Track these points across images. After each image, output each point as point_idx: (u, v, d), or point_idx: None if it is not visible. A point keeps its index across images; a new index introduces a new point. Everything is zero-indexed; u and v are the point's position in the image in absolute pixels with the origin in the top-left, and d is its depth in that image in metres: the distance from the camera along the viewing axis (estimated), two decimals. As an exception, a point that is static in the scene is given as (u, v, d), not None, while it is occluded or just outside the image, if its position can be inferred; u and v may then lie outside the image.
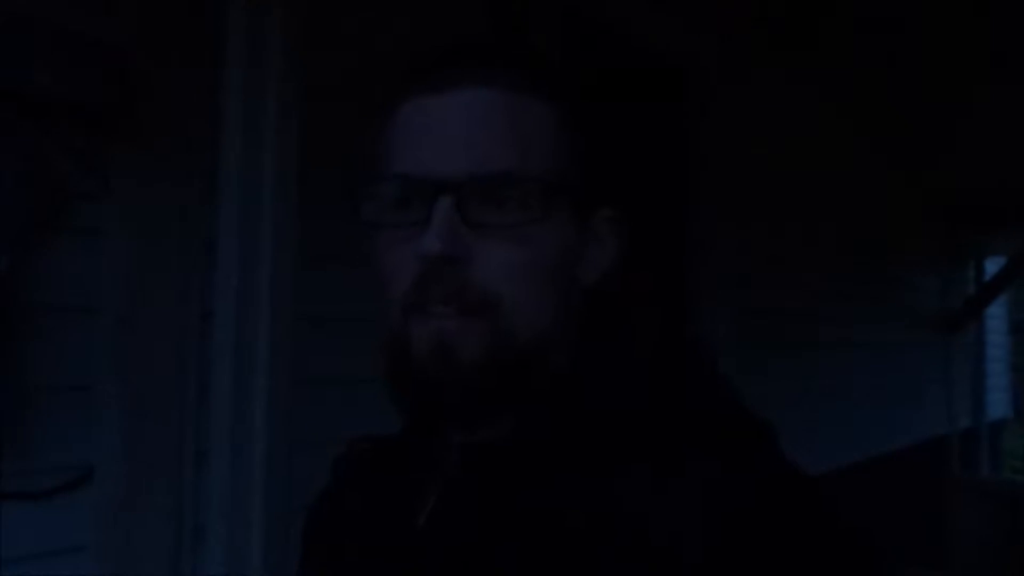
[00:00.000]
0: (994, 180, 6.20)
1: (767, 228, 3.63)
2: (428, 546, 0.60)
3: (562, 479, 0.56)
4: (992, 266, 7.82)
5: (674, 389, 0.60)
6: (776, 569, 0.51)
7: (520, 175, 0.58)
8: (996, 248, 7.46)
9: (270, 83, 1.35)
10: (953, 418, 6.53)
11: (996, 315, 8.44)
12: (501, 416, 0.60)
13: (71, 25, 1.31)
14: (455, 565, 0.58)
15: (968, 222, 6.64)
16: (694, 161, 2.98)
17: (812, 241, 4.12)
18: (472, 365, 0.57)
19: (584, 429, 0.58)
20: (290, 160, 1.38)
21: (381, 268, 0.61)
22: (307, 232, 1.49)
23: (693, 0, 2.88)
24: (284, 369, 1.37)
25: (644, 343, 0.65)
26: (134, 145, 1.39)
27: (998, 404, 8.18)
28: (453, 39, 0.67)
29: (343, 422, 0.71)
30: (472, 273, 0.57)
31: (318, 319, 1.59)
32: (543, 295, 0.60)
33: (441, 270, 0.57)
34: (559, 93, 0.63)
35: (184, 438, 1.43)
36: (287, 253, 1.37)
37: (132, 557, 1.37)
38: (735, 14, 3.19)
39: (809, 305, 4.07)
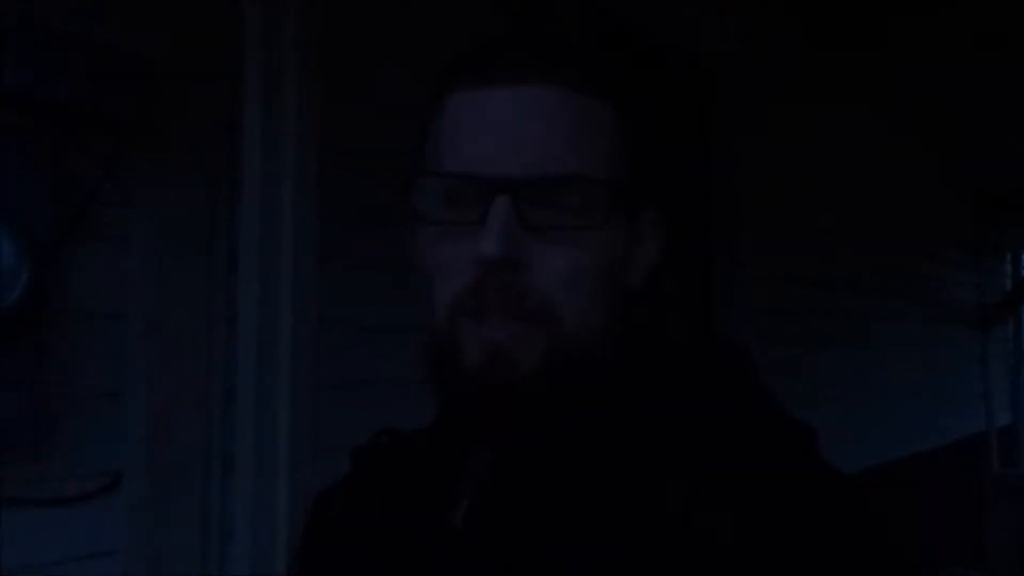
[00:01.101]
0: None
1: (798, 225, 3.58)
2: (465, 545, 0.59)
3: (601, 482, 0.55)
4: (1029, 260, 7.67)
5: (713, 392, 0.59)
6: (817, 570, 0.50)
7: (582, 177, 0.57)
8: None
9: (288, 88, 1.35)
10: (991, 415, 6.42)
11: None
12: (553, 421, 0.59)
13: (94, 35, 1.32)
14: (494, 565, 0.57)
15: (1004, 216, 6.52)
16: (720, 158, 2.95)
17: (845, 237, 4.07)
18: (529, 373, 0.56)
19: (624, 432, 0.57)
20: (310, 164, 1.38)
21: (426, 265, 0.60)
22: (329, 235, 1.49)
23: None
24: (307, 372, 1.37)
25: (674, 345, 0.64)
26: (158, 151, 1.40)
27: (1038, 400, 8.00)
28: (496, 31, 0.65)
29: (368, 425, 0.70)
30: (531, 278, 0.56)
31: (343, 323, 1.59)
32: (598, 300, 0.59)
33: (500, 274, 0.55)
34: (618, 93, 0.61)
35: (211, 443, 1.43)
36: (308, 257, 1.37)
37: (161, 561, 1.38)
38: (762, 9, 3.16)
39: (843, 303, 4.02)
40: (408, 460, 0.67)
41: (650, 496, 0.54)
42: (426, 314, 0.60)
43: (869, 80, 4.09)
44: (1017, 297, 6.79)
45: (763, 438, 0.56)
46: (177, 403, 1.40)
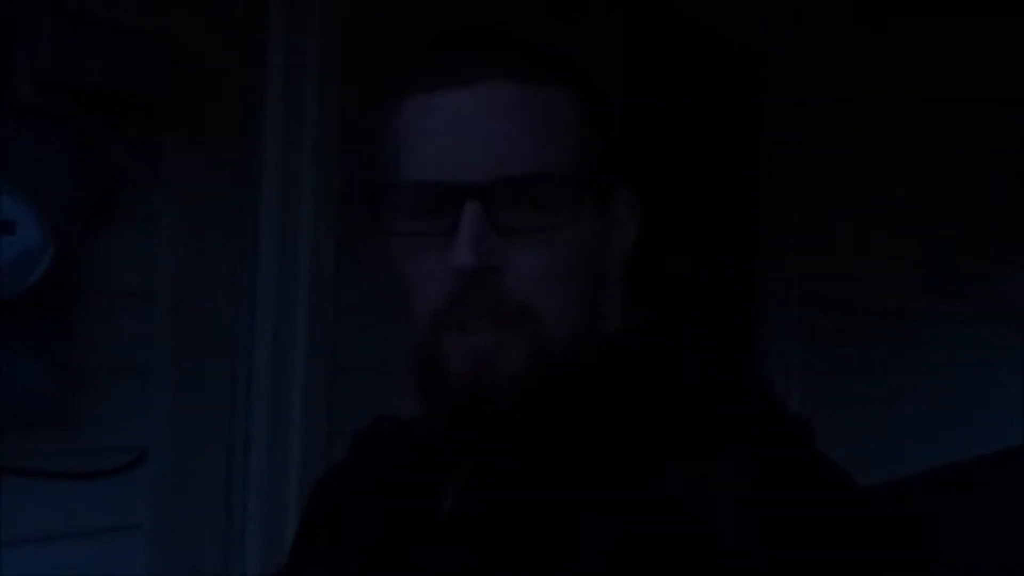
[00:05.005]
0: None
1: (849, 219, 3.48)
2: (454, 531, 0.59)
3: (594, 470, 0.55)
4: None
5: (708, 385, 0.58)
6: (812, 559, 0.50)
7: (548, 174, 0.56)
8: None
9: (310, 73, 1.35)
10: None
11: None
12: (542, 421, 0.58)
13: (127, 19, 1.34)
14: (483, 551, 0.56)
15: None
16: (765, 148, 2.87)
17: (900, 233, 3.94)
18: (514, 378, 0.56)
19: (617, 421, 0.57)
20: (330, 149, 1.38)
21: (406, 278, 0.59)
22: (347, 220, 1.49)
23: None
24: (323, 356, 1.38)
25: (673, 336, 0.63)
26: (187, 134, 1.42)
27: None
28: (461, 22, 0.63)
29: (382, 411, 0.70)
30: (507, 283, 0.55)
31: (359, 308, 1.59)
32: (576, 295, 0.58)
33: (477, 283, 0.55)
34: (578, 80, 0.60)
35: (235, 422, 1.45)
36: (326, 242, 1.38)
37: (184, 536, 1.41)
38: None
39: (897, 302, 3.90)
40: (404, 445, 0.68)
41: (641, 485, 0.53)
42: (408, 324, 0.59)
43: (929, 69, 3.94)
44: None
45: (757, 431, 0.55)
46: (203, 382, 1.43)
